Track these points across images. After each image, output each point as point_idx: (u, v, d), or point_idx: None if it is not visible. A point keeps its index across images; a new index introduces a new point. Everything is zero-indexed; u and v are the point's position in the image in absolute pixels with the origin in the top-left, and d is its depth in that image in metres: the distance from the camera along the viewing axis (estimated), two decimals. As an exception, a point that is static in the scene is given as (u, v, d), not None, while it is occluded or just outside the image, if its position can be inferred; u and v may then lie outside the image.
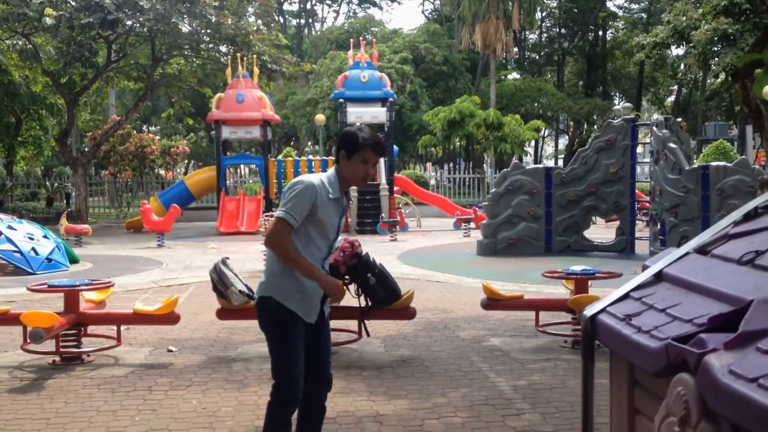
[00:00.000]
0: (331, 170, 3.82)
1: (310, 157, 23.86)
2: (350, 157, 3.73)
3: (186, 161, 44.50)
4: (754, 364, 1.47)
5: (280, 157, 25.37)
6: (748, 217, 2.24)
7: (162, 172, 34.74)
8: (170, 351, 6.88)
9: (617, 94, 52.45)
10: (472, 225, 19.57)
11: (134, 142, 27.20)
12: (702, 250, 2.21)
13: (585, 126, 45.89)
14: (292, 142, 45.46)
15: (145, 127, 45.48)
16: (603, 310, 2.15)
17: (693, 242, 2.28)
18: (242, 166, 35.94)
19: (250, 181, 35.12)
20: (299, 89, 38.26)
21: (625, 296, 2.17)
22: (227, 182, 24.65)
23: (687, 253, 2.24)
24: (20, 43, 22.10)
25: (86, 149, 28.50)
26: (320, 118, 30.99)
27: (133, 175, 28.52)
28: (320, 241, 3.77)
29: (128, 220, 23.10)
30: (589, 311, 2.18)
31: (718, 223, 2.33)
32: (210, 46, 23.90)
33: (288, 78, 25.84)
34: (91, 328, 6.92)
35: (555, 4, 50.11)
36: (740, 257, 1.98)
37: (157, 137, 34.56)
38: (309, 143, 45.21)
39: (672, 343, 1.70)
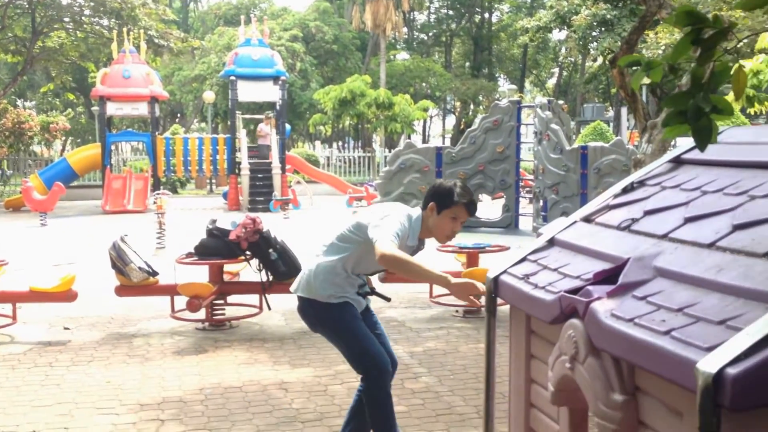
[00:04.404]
0: (417, 215, 3.60)
1: (200, 134, 23.44)
2: (440, 212, 3.53)
3: (64, 138, 42.76)
4: (630, 308, 1.77)
5: (167, 134, 24.85)
6: (625, 190, 2.58)
7: (38, 149, 33.33)
8: (66, 329, 6.83)
9: (502, 75, 53.94)
10: (365, 203, 19.88)
11: (11, 117, 25.97)
12: (587, 219, 2.53)
13: (471, 106, 47.03)
14: (177, 119, 44.45)
15: (20, 102, 43.34)
16: (504, 272, 2.43)
17: (579, 212, 2.60)
18: (124, 143, 34.88)
19: (132, 159, 34.17)
20: (186, 65, 37.43)
21: (523, 259, 2.47)
22: (112, 160, 23.94)
23: (575, 222, 2.55)
24: None
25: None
26: (209, 96, 30.54)
27: (9, 152, 27.24)
28: (367, 270, 3.77)
29: (6, 198, 22.14)
30: (492, 273, 2.46)
31: (600, 195, 2.66)
32: (93, 19, 23.11)
33: (175, 54, 25.35)
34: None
35: (443, -14, 50.91)
36: (619, 224, 2.30)
37: (33, 112, 33.10)
38: (196, 120, 44.33)
39: (564, 294, 1.99)
